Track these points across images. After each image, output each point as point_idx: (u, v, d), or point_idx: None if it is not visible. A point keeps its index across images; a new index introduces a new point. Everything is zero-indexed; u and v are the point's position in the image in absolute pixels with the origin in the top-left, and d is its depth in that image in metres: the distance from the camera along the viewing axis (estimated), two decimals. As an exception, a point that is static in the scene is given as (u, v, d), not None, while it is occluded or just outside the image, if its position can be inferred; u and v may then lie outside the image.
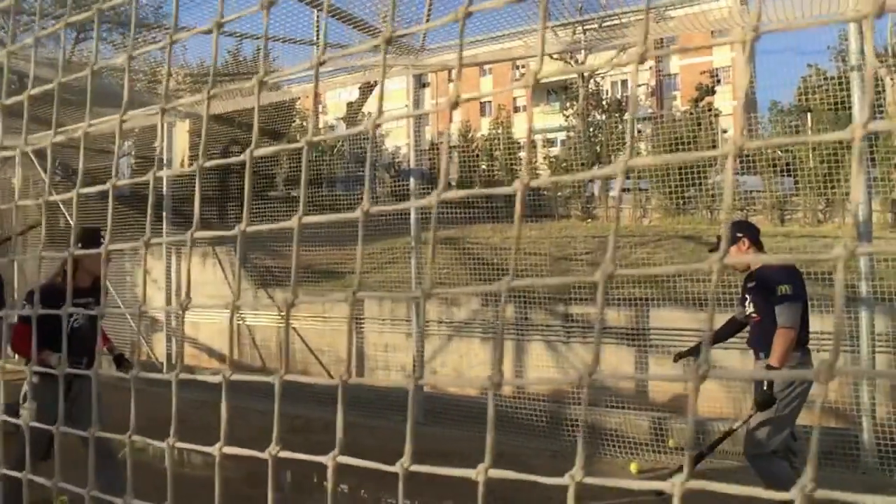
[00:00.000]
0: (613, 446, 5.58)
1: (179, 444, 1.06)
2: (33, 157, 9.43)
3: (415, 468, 0.82)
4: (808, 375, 0.60)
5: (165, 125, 8.54)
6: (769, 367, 3.68)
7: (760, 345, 3.91)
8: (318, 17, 6.48)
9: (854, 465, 5.03)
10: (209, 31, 1.04)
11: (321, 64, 0.95)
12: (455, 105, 0.83)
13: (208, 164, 1.04)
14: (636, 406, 6.10)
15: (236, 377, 0.98)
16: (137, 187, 8.28)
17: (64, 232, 9.81)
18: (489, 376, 0.78)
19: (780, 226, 8.94)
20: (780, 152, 9.55)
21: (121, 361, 4.17)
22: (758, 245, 4.01)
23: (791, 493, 0.59)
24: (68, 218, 9.55)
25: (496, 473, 0.76)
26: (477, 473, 0.76)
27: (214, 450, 0.98)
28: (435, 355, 7.95)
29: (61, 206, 9.24)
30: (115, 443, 3.76)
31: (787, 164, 9.53)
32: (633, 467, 5.32)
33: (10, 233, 6.68)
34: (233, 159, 1.15)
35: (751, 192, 9.18)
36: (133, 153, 11.80)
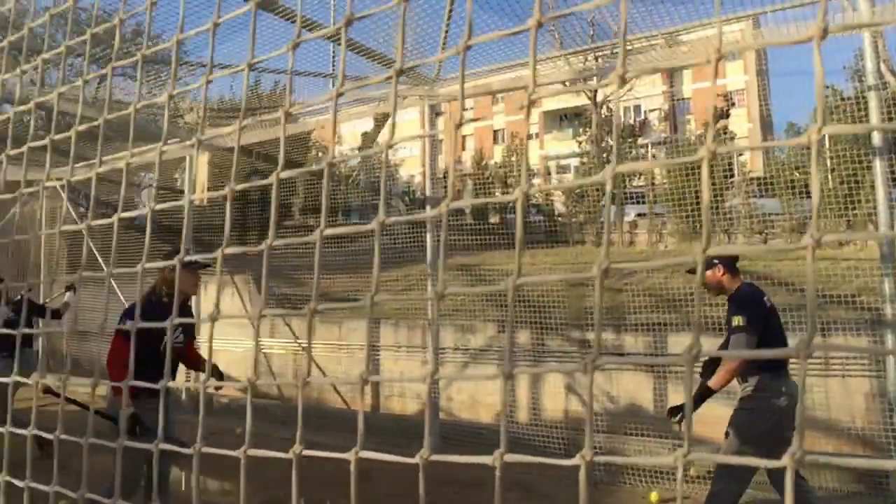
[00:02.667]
0: (634, 474, 5.51)
1: (252, 453, 1.07)
2: (60, 190, 9.58)
3: (435, 457, 0.83)
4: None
5: (188, 157, 8.68)
6: (705, 388, 3.80)
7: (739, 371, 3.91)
8: (333, 49, 6.60)
9: (884, 493, 4.92)
10: (240, 70, 1.07)
11: (339, 95, 0.98)
12: (459, 125, 0.85)
13: (238, 187, 1.06)
14: (657, 433, 6.03)
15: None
16: (159, 216, 8.39)
17: (87, 261, 9.93)
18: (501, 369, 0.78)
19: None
20: (797, 174, 9.50)
21: (212, 373, 4.08)
22: (733, 271, 4.03)
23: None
24: (92, 247, 9.69)
25: (512, 458, 0.77)
26: (494, 459, 0.78)
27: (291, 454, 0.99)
28: (450, 382, 7.92)
29: (86, 237, 9.38)
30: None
31: (806, 186, 9.47)
32: (653, 496, 5.24)
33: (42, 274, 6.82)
34: (259, 182, 1.18)
35: (769, 214, 9.12)
36: (154, 184, 11.97)
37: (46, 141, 1.51)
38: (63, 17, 1.71)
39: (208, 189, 12.81)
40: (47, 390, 3.37)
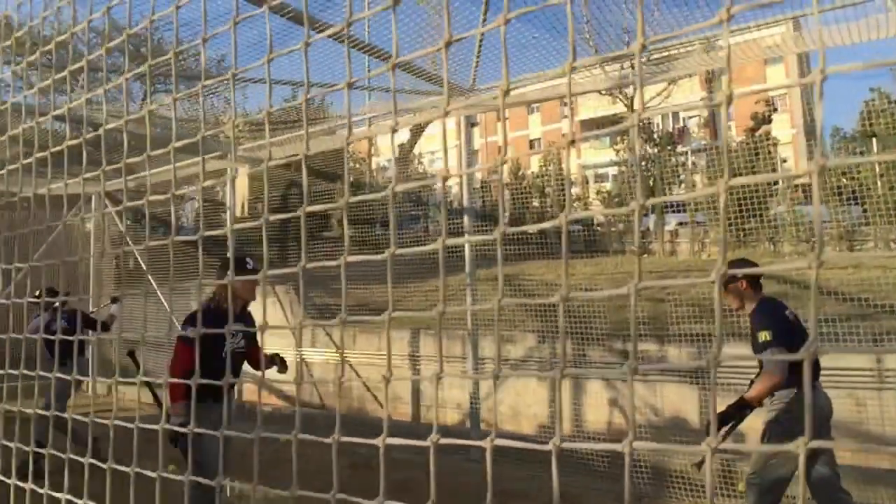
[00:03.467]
0: (680, 489, 5.40)
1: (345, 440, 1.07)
2: (108, 202, 9.84)
3: (567, 445, 0.86)
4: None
5: (231, 171, 8.84)
6: (742, 400, 3.82)
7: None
8: (368, 62, 6.66)
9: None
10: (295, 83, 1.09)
11: (396, 116, 0.98)
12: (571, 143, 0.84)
13: (272, 217, 1.07)
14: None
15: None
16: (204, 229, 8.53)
17: (133, 272, 10.18)
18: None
19: (848, 256, 8.60)
20: (844, 180, 9.25)
21: (275, 361, 4.12)
22: (755, 285, 4.04)
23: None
24: (139, 258, 9.93)
25: (641, 445, 0.79)
26: (623, 446, 0.78)
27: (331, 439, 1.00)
28: (491, 393, 7.88)
29: (134, 250, 9.60)
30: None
31: (854, 192, 9.21)
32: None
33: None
34: (290, 214, 1.20)
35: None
36: (197, 198, 12.21)
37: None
38: (111, 38, 1.75)
39: (249, 201, 13.01)
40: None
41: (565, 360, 0.81)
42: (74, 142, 1.77)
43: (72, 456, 1.82)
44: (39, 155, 1.90)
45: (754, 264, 4.10)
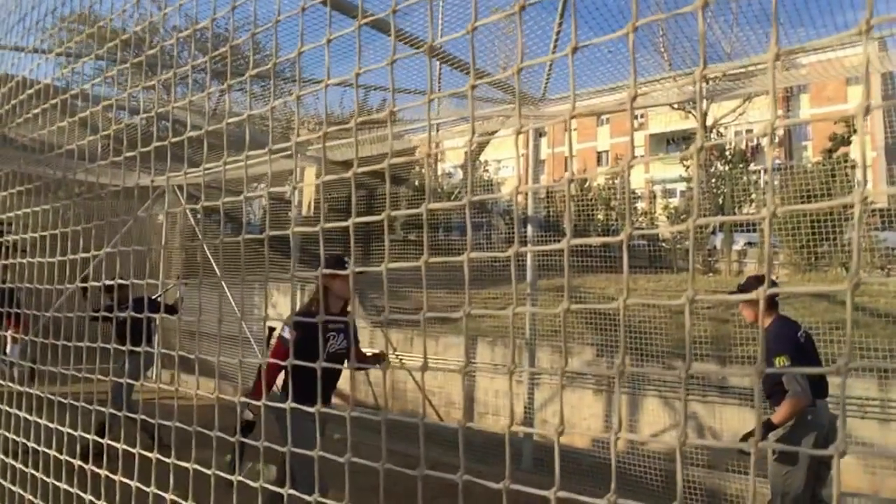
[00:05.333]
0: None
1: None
2: (179, 195, 10.21)
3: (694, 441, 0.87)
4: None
5: (299, 169, 9.07)
6: (768, 422, 3.94)
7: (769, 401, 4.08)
8: (440, 68, 6.74)
9: None
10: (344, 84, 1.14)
11: (478, 123, 1.02)
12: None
13: (328, 225, 1.12)
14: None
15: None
16: (270, 227, 8.77)
17: (201, 265, 10.52)
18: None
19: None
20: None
21: (379, 360, 4.13)
22: (771, 305, 4.16)
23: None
24: (207, 252, 10.27)
25: (765, 444, 0.78)
26: (750, 445, 0.78)
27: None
28: (546, 404, 7.83)
29: (203, 244, 9.95)
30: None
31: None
32: None
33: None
34: (339, 224, 1.25)
35: (893, 249, 8.52)
36: (265, 195, 12.56)
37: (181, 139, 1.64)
38: (188, 36, 1.85)
39: (315, 202, 13.29)
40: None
41: (624, 358, 0.83)
42: (160, 144, 1.87)
43: (133, 447, 1.91)
44: (126, 152, 2.01)
45: (774, 283, 4.37)
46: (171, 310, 6.79)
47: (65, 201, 2.40)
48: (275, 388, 3.57)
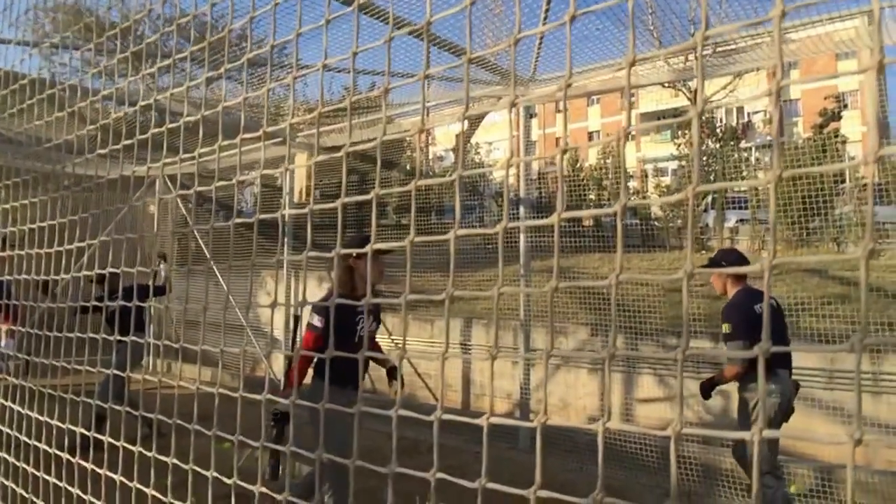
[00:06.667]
0: (729, 488, 5.32)
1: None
2: (171, 185, 10.16)
3: (613, 426, 0.86)
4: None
5: (288, 156, 9.02)
6: (713, 378, 4.32)
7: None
8: (428, 49, 6.68)
9: None
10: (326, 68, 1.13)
11: (464, 107, 1.02)
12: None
13: (317, 207, 1.12)
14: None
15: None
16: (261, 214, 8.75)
17: (194, 254, 10.51)
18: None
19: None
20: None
21: (393, 374, 4.02)
22: (737, 277, 4.36)
23: None
24: (200, 241, 10.24)
25: (689, 431, 0.79)
26: (668, 430, 0.79)
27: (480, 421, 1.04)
28: (541, 384, 7.87)
29: (195, 232, 9.92)
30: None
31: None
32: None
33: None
34: (327, 206, 1.25)
35: (884, 223, 8.56)
36: (256, 183, 12.50)
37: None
38: (172, 23, 1.83)
39: (307, 188, 13.25)
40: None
41: (615, 340, 0.83)
42: (158, 130, 1.86)
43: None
44: (110, 143, 2.00)
45: (741, 255, 4.60)
46: (160, 290, 6.66)
47: (53, 194, 2.39)
48: (305, 383, 3.52)
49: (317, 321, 3.32)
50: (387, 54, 1.18)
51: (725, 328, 4.18)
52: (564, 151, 0.98)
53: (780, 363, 4.18)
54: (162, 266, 6.95)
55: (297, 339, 3.96)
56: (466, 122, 13.30)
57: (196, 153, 1.68)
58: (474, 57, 6.52)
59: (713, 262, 4.36)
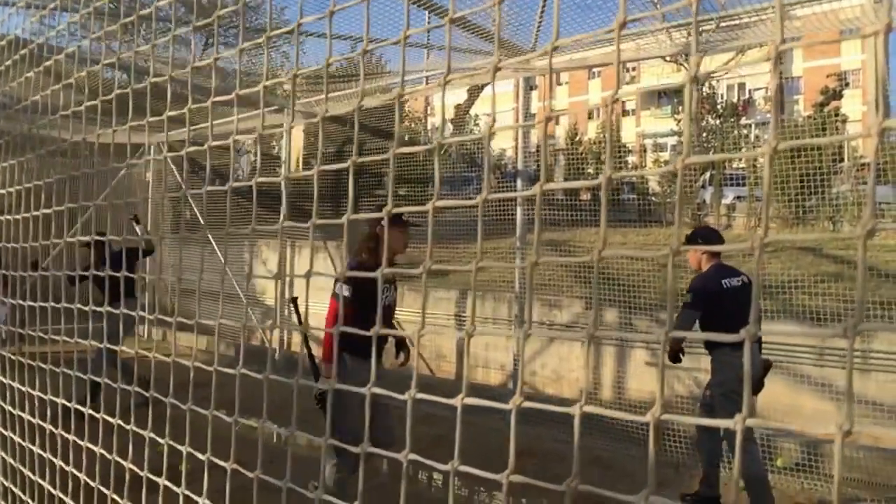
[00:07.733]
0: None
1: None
2: (163, 149, 10.09)
3: (589, 409, 0.87)
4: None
5: (287, 126, 8.96)
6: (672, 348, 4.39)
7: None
8: (428, 18, 6.62)
9: None
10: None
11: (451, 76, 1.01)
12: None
13: (306, 173, 1.12)
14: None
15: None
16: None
17: (189, 223, 10.49)
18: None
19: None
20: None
21: (401, 346, 4.07)
22: (712, 252, 4.43)
23: None
24: (195, 210, 10.21)
25: (669, 417, 0.80)
26: (648, 416, 0.79)
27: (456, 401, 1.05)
28: (535, 357, 7.93)
29: (190, 199, 9.88)
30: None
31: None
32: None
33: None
34: (325, 169, 1.24)
35: (880, 203, 8.56)
36: (253, 151, 12.43)
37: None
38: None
39: (304, 157, 13.18)
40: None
41: (597, 319, 0.84)
42: (140, 86, 1.85)
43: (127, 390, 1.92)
44: (89, 102, 1.98)
45: (717, 233, 4.76)
46: (147, 252, 6.62)
47: (44, 156, 2.37)
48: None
49: (346, 291, 3.25)
50: (365, 11, 1.17)
51: (687, 297, 4.33)
52: (548, 120, 0.97)
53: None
54: (137, 227, 6.93)
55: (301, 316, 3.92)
56: (465, 93, 13.19)
57: (186, 110, 1.66)
58: (456, 17, 6.47)
59: (689, 240, 4.48)
